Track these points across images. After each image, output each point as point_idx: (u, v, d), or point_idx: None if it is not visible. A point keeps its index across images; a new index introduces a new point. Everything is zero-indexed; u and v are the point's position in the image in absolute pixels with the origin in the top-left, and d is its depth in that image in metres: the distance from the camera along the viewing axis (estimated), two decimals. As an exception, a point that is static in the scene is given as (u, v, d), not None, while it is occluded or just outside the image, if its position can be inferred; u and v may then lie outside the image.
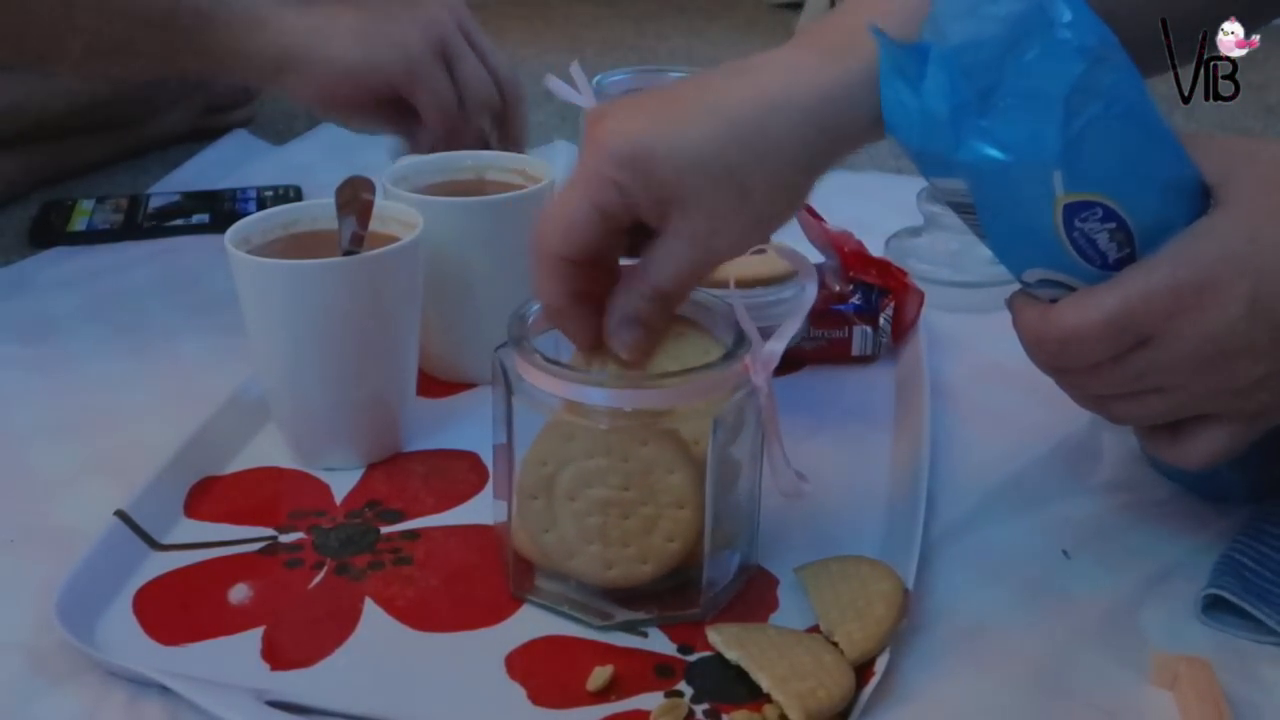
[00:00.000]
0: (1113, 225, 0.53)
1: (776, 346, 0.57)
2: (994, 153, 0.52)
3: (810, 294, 0.58)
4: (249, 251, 0.68)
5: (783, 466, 0.59)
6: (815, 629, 0.58)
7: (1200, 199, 0.54)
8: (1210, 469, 0.59)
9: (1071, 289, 0.55)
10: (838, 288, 0.82)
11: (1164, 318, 0.53)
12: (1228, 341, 0.53)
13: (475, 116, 0.91)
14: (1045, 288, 0.56)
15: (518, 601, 0.61)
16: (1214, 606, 0.59)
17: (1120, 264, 0.54)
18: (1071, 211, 0.53)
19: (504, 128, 0.94)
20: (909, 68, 0.53)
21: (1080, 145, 0.51)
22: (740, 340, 0.58)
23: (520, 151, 0.92)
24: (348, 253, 0.68)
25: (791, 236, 0.87)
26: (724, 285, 0.63)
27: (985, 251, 0.59)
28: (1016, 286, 0.58)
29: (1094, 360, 0.55)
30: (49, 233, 1.02)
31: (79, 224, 1.03)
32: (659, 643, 0.58)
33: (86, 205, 1.06)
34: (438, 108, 0.89)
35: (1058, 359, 0.56)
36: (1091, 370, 0.56)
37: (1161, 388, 0.56)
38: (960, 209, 0.56)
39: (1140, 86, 0.52)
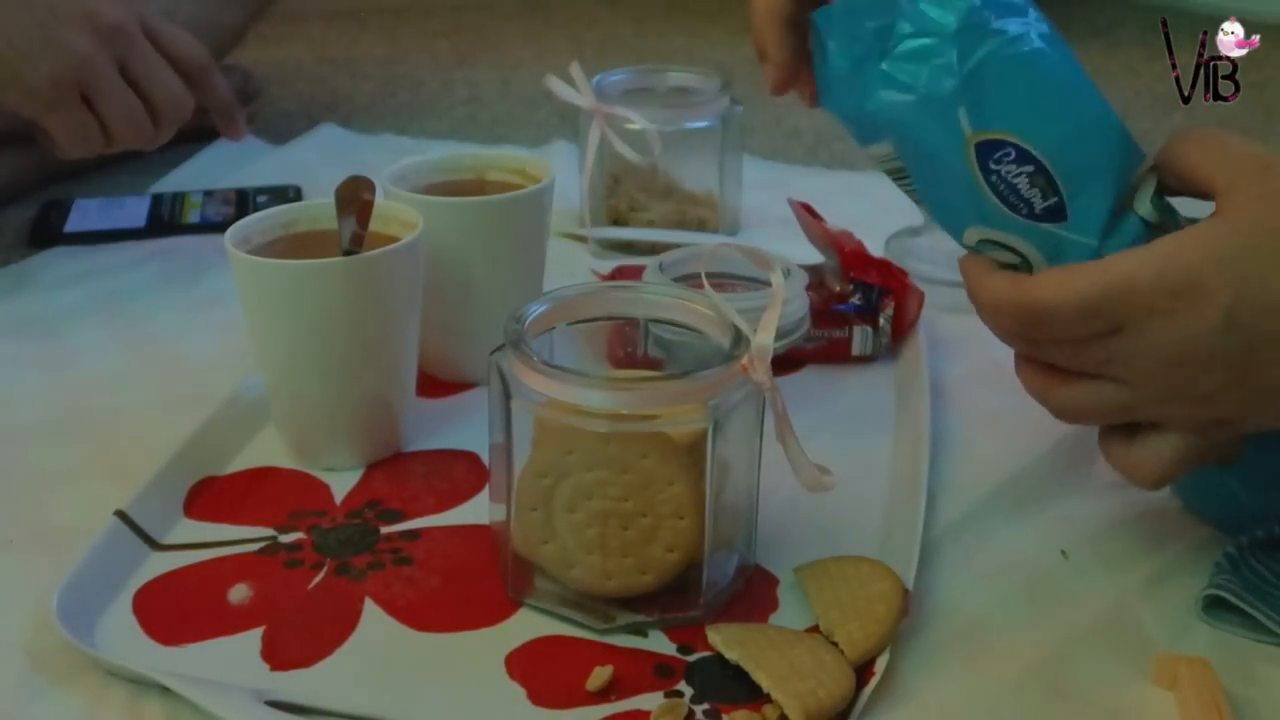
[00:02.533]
0: (1030, 169, 0.53)
1: (764, 339, 0.57)
2: (897, 95, 0.53)
3: (779, 283, 0.58)
4: (249, 251, 0.68)
5: (803, 462, 0.59)
6: (815, 629, 0.58)
7: (1135, 154, 0.55)
8: (1203, 489, 0.59)
9: (1011, 249, 0.55)
10: (838, 288, 0.82)
11: (1141, 311, 0.53)
12: (1196, 347, 0.53)
13: (167, 125, 0.93)
14: (987, 248, 0.57)
15: (517, 602, 0.61)
16: (1214, 606, 0.59)
17: (1049, 214, 0.54)
18: (984, 153, 0.53)
19: (209, 105, 0.97)
20: (819, 40, 0.55)
21: (980, 79, 0.52)
22: (738, 341, 0.58)
23: (232, 119, 0.98)
24: (348, 253, 0.68)
25: (791, 237, 0.88)
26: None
27: (985, 252, 0.59)
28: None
29: (1062, 336, 0.55)
30: (49, 233, 1.02)
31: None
32: (659, 643, 0.58)
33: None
34: (122, 120, 0.90)
35: (1024, 328, 0.56)
36: (1055, 343, 0.56)
37: (1120, 378, 0.56)
38: (895, 176, 0.57)
39: (1042, 24, 0.53)
